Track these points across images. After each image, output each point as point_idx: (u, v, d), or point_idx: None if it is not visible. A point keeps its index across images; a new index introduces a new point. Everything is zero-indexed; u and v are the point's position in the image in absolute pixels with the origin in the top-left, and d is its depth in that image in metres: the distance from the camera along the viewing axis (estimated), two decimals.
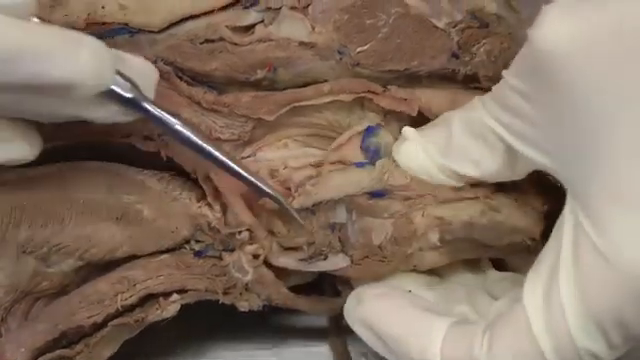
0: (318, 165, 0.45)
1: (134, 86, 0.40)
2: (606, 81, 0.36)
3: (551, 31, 0.37)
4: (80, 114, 0.40)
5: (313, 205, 0.44)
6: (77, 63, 0.36)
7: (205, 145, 0.42)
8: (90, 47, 0.37)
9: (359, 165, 0.45)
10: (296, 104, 0.45)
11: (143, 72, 0.41)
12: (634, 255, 0.35)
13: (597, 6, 0.36)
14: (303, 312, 0.49)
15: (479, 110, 0.42)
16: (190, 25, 0.45)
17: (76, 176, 0.44)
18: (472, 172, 0.44)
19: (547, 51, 0.37)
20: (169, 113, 0.41)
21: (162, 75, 0.44)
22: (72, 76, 0.36)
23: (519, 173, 0.43)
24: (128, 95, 0.39)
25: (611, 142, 0.36)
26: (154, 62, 0.44)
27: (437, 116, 0.45)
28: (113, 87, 0.39)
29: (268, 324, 0.52)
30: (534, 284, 0.39)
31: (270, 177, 0.45)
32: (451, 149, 0.44)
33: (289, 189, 0.44)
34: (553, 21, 0.37)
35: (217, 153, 0.42)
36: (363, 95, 0.45)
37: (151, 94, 0.41)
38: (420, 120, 0.46)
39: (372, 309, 0.44)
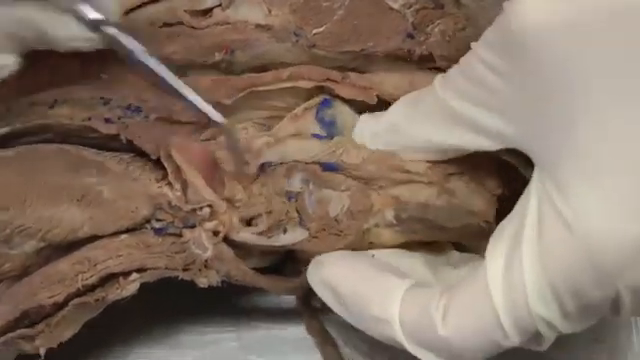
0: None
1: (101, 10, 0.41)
2: (585, 56, 0.36)
3: (532, 7, 0.36)
4: (46, 29, 0.40)
5: (264, 165, 0.45)
6: None
7: (164, 74, 0.42)
8: None
9: (316, 136, 0.45)
10: (254, 89, 0.45)
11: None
12: (595, 224, 0.35)
13: None
14: (266, 294, 0.50)
15: (438, 89, 0.42)
16: (150, 9, 0.46)
17: (37, 158, 0.45)
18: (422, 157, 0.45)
19: (526, 27, 0.36)
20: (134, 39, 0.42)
21: (122, 59, 0.45)
22: None
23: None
24: (94, 16, 0.40)
25: (585, 114, 0.36)
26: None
27: (396, 99, 0.45)
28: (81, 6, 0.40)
29: (232, 307, 0.52)
30: (496, 249, 0.39)
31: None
32: (400, 135, 0.44)
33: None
34: None
35: (174, 82, 0.43)
36: (323, 84, 0.46)
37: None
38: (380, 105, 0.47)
39: (332, 270, 0.44)
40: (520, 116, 0.39)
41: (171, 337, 0.52)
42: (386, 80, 0.46)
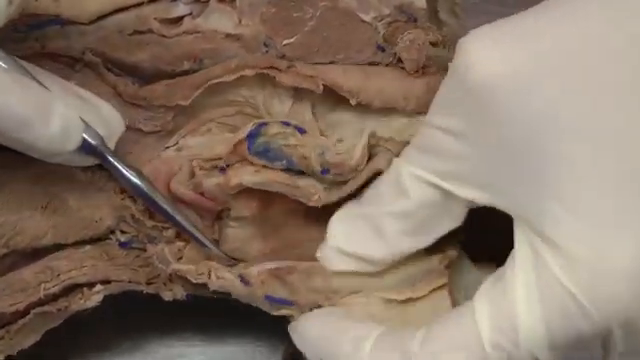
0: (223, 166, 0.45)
1: (99, 137, 0.42)
2: (547, 105, 0.36)
3: (482, 64, 0.36)
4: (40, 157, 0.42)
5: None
6: (46, 132, 0.39)
7: (160, 202, 0.44)
8: (61, 117, 0.40)
9: None
10: (208, 83, 0.44)
11: (110, 120, 0.43)
12: (585, 261, 0.35)
13: (523, 34, 0.37)
14: (237, 309, 0.49)
15: (398, 168, 0.42)
16: (120, 17, 0.45)
17: (3, 165, 0.44)
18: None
19: (482, 85, 0.36)
20: (129, 167, 0.44)
21: (90, 66, 0.45)
22: (40, 143, 0.39)
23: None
24: (94, 145, 0.42)
25: (561, 162, 0.36)
26: (82, 53, 0.45)
27: (349, 92, 0.44)
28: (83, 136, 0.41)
29: (201, 321, 0.52)
30: (486, 294, 0.39)
31: (190, 177, 0.45)
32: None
33: (202, 194, 0.45)
34: (481, 53, 0.37)
35: (172, 212, 0.44)
36: (266, 72, 0.44)
37: (113, 143, 0.43)
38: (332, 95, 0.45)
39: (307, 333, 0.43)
40: (492, 179, 0.38)
41: (140, 350, 0.52)
42: (338, 73, 0.44)
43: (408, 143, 0.43)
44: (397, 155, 0.43)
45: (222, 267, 0.44)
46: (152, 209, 0.45)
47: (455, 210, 0.41)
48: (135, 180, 0.44)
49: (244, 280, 0.44)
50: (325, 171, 0.43)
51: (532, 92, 0.36)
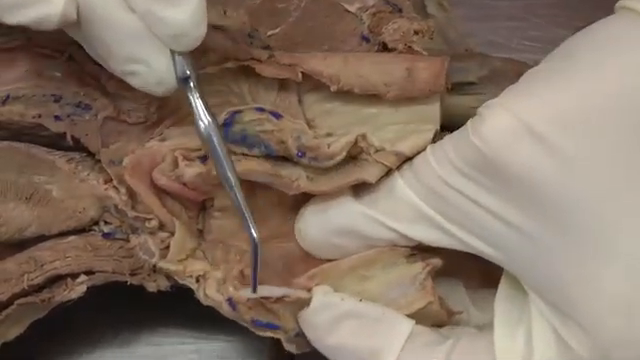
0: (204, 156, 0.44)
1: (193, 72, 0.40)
2: (564, 167, 0.36)
3: (498, 141, 0.37)
4: (147, 57, 0.40)
5: None
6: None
7: (220, 154, 0.41)
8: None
9: None
10: None
11: None
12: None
13: (534, 96, 0.37)
14: None
15: (405, 193, 0.42)
16: None
17: None
18: None
19: (508, 163, 0.37)
20: (209, 111, 0.41)
21: (75, 58, 0.45)
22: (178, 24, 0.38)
23: None
24: (188, 74, 0.40)
25: (576, 226, 0.36)
26: (67, 46, 0.45)
27: (329, 78, 0.43)
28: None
29: (191, 317, 0.52)
30: (505, 331, 0.40)
31: (173, 167, 0.44)
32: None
33: (185, 184, 0.44)
34: (497, 129, 0.37)
35: (229, 171, 0.41)
36: (247, 64, 0.44)
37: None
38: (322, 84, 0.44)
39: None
40: (509, 247, 0.38)
41: (130, 348, 0.51)
42: (317, 57, 0.44)
43: (398, 154, 0.43)
44: (387, 166, 0.43)
45: (211, 283, 0.44)
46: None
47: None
48: (205, 127, 0.41)
49: (232, 304, 0.44)
50: (301, 153, 0.43)
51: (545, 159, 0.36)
